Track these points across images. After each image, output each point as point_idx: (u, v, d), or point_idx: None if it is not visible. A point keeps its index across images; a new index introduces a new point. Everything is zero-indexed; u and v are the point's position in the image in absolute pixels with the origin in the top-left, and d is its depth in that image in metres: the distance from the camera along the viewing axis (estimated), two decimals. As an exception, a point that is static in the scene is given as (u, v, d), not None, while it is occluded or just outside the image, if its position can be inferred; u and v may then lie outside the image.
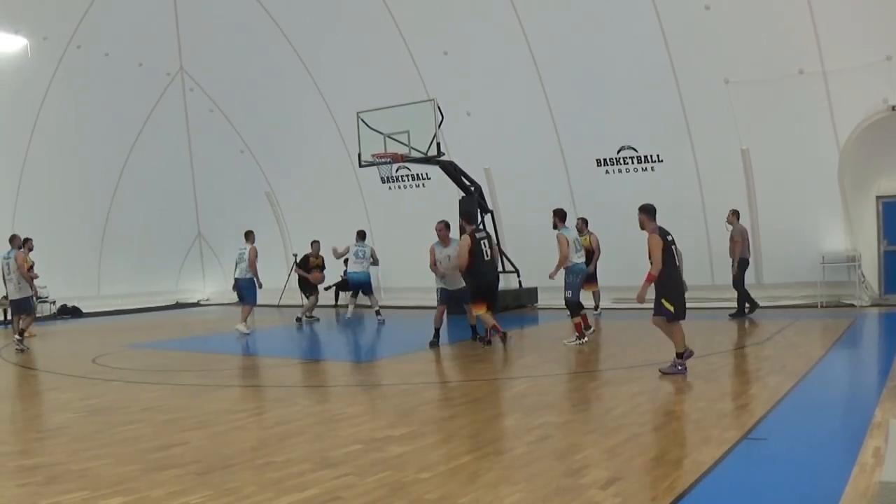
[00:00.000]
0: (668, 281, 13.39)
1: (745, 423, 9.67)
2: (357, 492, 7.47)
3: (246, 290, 23.81)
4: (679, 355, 13.37)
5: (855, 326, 19.78)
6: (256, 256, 23.41)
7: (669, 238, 13.45)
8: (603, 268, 23.80)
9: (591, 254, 22.95)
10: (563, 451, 8.72)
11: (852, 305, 23.64)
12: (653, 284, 13.39)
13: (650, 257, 13.27)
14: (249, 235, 23.82)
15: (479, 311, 17.95)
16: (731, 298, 23.06)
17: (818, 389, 12.31)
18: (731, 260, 22.58)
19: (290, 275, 32.06)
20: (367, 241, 25.90)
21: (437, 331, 19.07)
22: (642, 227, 13.55)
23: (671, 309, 13.32)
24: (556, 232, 18.73)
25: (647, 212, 13.58)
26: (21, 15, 27.70)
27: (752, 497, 7.17)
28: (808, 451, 8.60)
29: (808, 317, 21.79)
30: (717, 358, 15.52)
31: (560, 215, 19.06)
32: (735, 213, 22.56)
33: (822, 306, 23.80)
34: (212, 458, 9.02)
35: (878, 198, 24.48)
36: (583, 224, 23.44)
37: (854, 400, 11.91)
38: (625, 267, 25.16)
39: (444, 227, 19.27)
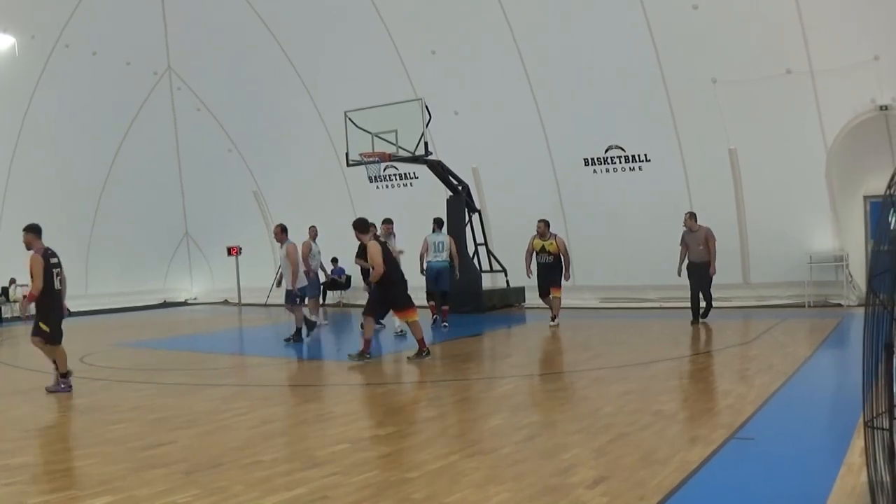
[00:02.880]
0: (45, 303, 13.91)
1: (733, 422, 9.66)
2: (344, 491, 7.45)
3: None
4: (63, 375, 13.87)
5: (842, 326, 19.79)
6: (296, 251, 23.48)
7: (54, 261, 14.03)
8: (589, 267, 23.81)
9: (557, 258, 22.04)
10: (550, 450, 8.73)
11: (840, 305, 23.68)
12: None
13: (31, 276, 13.82)
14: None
15: (412, 318, 16.46)
16: (718, 298, 22.95)
17: (805, 389, 12.31)
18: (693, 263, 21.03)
19: (277, 275, 32.08)
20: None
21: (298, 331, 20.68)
22: (28, 248, 13.96)
23: (47, 330, 13.83)
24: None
25: (34, 231, 14.04)
26: (9, 14, 27.66)
27: (739, 496, 7.16)
28: (795, 451, 8.59)
29: (796, 316, 21.83)
30: (703, 357, 15.58)
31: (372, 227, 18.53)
32: (694, 216, 21.31)
33: (809, 306, 23.85)
34: (199, 458, 9.01)
35: (865, 197, 24.48)
36: (545, 227, 22.29)
37: (841, 399, 11.90)
38: (611, 266, 25.30)
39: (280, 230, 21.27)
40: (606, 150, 26.52)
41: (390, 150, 24.87)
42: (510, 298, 27.76)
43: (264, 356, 19.07)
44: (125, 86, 31.87)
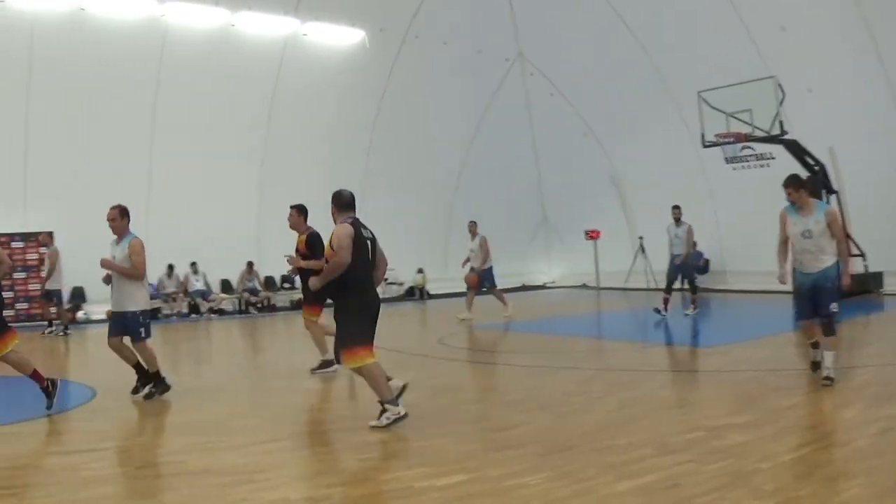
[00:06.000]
0: None
1: None
2: (697, 479, 7.46)
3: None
4: None
5: None
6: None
7: None
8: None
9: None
10: (906, 444, 8.43)
11: None
12: None
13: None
14: None
15: (368, 360, 10.10)
16: None
17: None
18: None
19: (635, 258, 32.14)
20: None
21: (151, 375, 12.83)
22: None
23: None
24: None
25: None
26: (358, 8, 28.88)
27: None
28: None
29: None
30: None
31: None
32: None
33: None
34: (552, 440, 9.18)
35: None
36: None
37: None
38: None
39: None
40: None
41: (745, 130, 24.52)
42: (868, 284, 26.71)
43: (623, 340, 19.17)
44: (477, 73, 32.76)
